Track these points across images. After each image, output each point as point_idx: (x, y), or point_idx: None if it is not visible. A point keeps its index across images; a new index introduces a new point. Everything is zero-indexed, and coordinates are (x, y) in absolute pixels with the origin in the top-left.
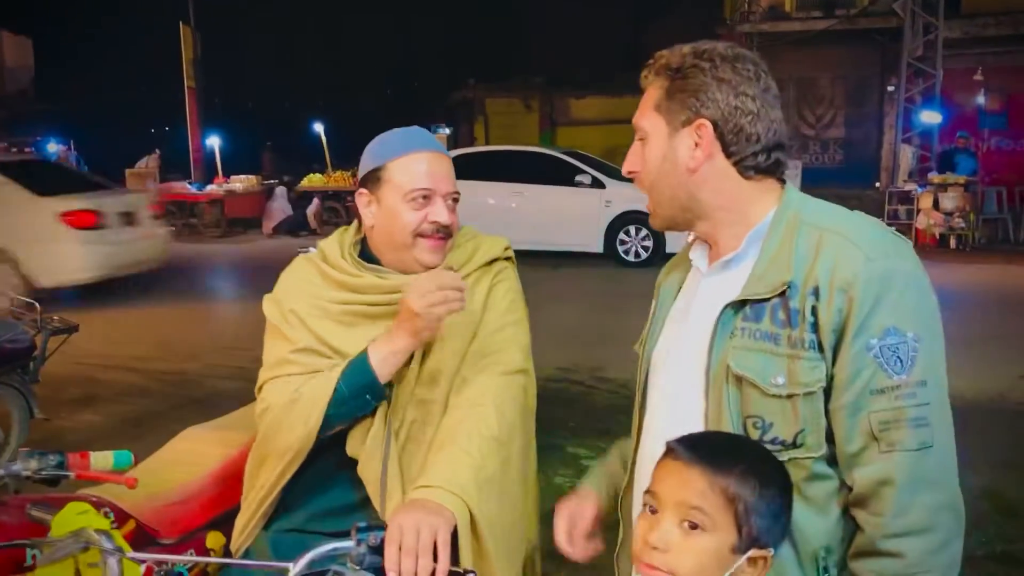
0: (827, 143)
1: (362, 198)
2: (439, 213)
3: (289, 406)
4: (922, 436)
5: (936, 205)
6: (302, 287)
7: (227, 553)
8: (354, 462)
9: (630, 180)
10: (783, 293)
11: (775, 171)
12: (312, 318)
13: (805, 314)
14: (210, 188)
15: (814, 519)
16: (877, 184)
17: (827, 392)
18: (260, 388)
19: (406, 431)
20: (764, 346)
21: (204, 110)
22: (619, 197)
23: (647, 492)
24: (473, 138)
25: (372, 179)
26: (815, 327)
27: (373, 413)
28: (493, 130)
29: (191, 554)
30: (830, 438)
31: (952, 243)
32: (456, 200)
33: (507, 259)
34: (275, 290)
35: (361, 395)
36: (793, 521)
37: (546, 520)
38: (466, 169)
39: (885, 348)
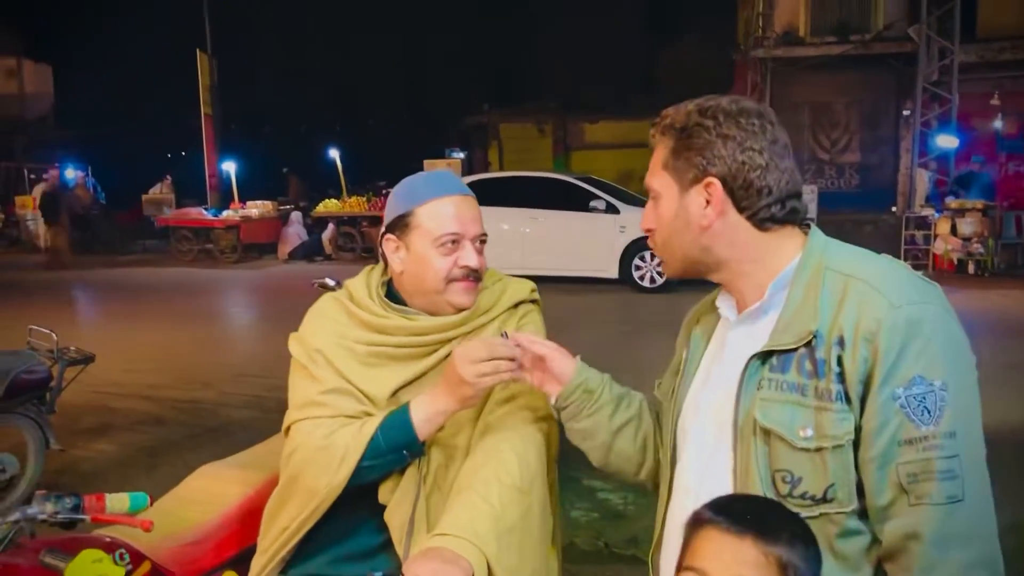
0: (843, 167)
1: (390, 244)
2: (469, 258)
3: (320, 452)
4: (951, 489)
5: (954, 230)
6: (328, 326)
7: None
8: (378, 507)
9: (644, 204)
10: (809, 343)
11: (793, 219)
12: (338, 358)
13: (831, 364)
14: (226, 214)
15: None
16: (894, 208)
17: (856, 444)
18: (287, 429)
19: (432, 477)
20: (791, 397)
21: (220, 136)
22: (633, 223)
23: (690, 570)
24: (487, 162)
25: (400, 225)
26: (841, 377)
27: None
28: (507, 154)
29: None
30: (861, 492)
31: (971, 268)
32: (484, 242)
33: (533, 302)
34: (301, 329)
35: (399, 451)
36: None
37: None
38: (480, 195)
39: (912, 398)
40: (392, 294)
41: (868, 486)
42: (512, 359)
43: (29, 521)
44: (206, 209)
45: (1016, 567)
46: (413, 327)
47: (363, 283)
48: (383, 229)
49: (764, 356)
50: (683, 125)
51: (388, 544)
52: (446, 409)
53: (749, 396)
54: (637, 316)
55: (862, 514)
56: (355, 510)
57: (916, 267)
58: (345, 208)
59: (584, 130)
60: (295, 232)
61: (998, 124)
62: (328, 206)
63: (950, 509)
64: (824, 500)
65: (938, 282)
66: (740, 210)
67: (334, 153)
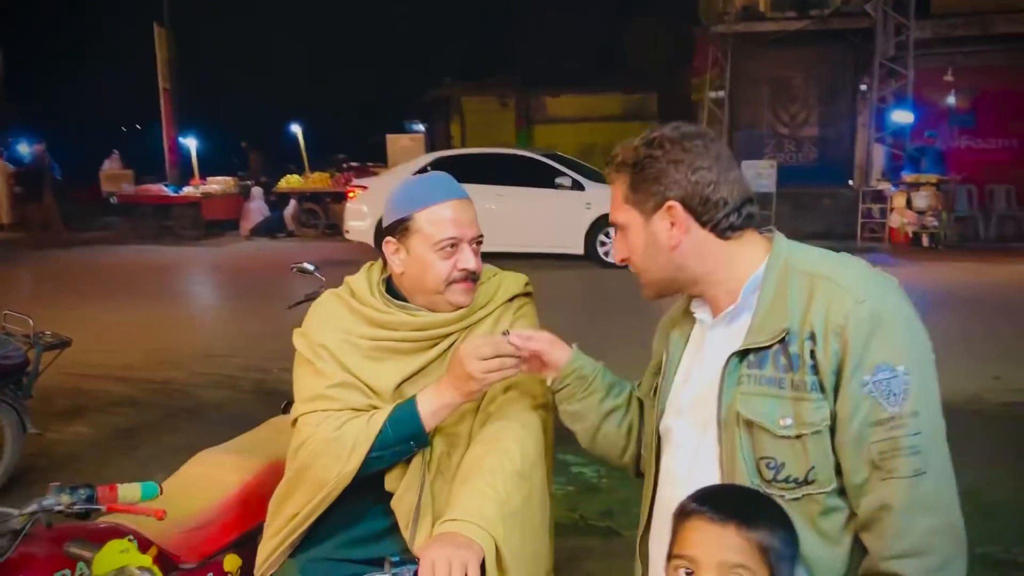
0: (802, 142)
1: (389, 246)
2: (467, 261)
3: (330, 444)
4: (916, 463)
5: (909, 204)
6: (332, 322)
7: (247, 575)
8: (384, 493)
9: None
10: (783, 340)
11: (751, 224)
12: (343, 353)
13: (804, 358)
14: (187, 190)
15: (830, 551)
16: (851, 182)
17: (832, 429)
18: (295, 421)
19: (436, 464)
20: (770, 390)
21: (179, 111)
22: (599, 199)
23: (679, 557)
24: (449, 136)
25: (399, 229)
26: (815, 369)
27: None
28: (469, 128)
29: None
30: (839, 472)
31: (925, 241)
32: (480, 242)
33: (526, 294)
34: (304, 324)
35: (406, 442)
36: (810, 554)
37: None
38: (445, 171)
39: (878, 383)
40: (392, 290)
41: (845, 466)
42: (516, 356)
43: (46, 512)
44: (166, 185)
45: (970, 532)
46: (415, 322)
47: (364, 280)
48: (383, 231)
49: (742, 354)
50: (634, 160)
51: (394, 528)
52: (451, 403)
53: (730, 391)
54: (603, 291)
55: (840, 492)
56: (362, 497)
57: (872, 240)
58: (308, 184)
59: (546, 104)
60: (257, 208)
61: (951, 99)
62: (290, 182)
63: (915, 481)
64: (806, 482)
65: (894, 255)
66: (702, 224)
67: (296, 128)
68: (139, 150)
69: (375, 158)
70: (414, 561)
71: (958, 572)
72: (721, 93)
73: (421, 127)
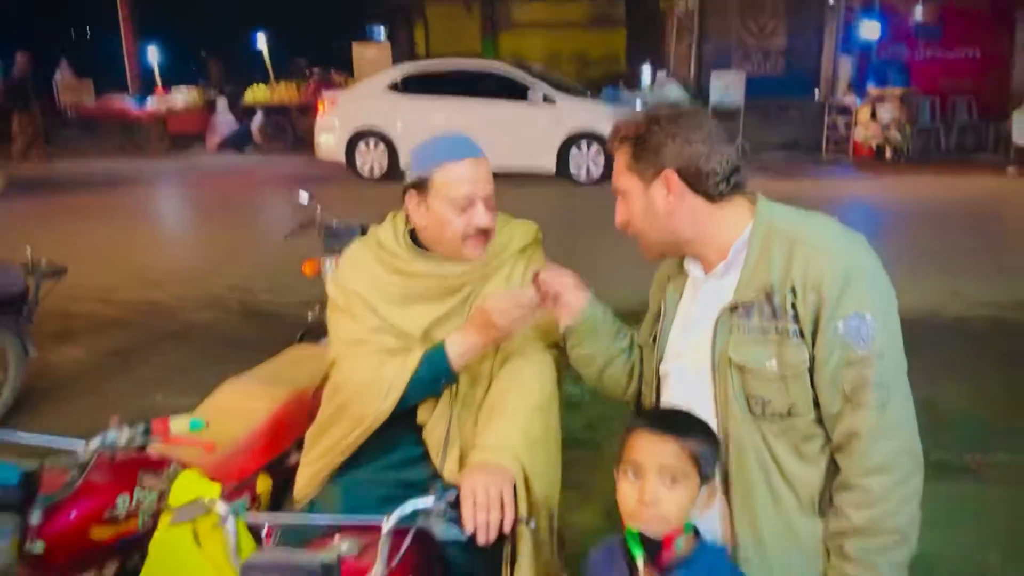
0: (769, 52)
1: (412, 200)
2: (480, 218)
3: (369, 384)
4: (881, 396)
5: (873, 116)
6: (362, 271)
7: (277, 495)
8: (416, 425)
9: (582, 95)
10: (767, 294)
11: (738, 190)
12: (374, 299)
13: (787, 309)
14: (150, 102)
15: (810, 471)
16: (816, 92)
17: (811, 370)
18: (333, 363)
19: (461, 399)
20: (757, 338)
21: (138, 17)
22: (570, 113)
23: (628, 462)
24: (413, 43)
25: (420, 184)
26: (796, 319)
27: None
28: (433, 35)
29: (245, 498)
30: (816, 405)
31: (888, 154)
32: (494, 200)
33: (538, 240)
34: (338, 274)
35: (438, 380)
36: (793, 473)
37: None
38: (415, 84)
39: (850, 329)
40: (415, 240)
41: (822, 399)
42: (535, 303)
43: (110, 446)
44: (129, 97)
45: (925, 440)
46: (438, 272)
47: (391, 230)
48: (407, 184)
49: (732, 307)
50: (636, 134)
51: (425, 456)
52: (477, 345)
53: (723, 340)
54: (575, 208)
55: (818, 422)
56: (396, 428)
57: (837, 152)
58: (275, 97)
59: (512, 10)
60: (223, 121)
61: (918, 11)
62: (256, 94)
63: (881, 411)
64: (789, 415)
65: (857, 168)
66: (695, 192)
67: (261, 38)
68: (91, 58)
69: (338, 65)
70: (456, 488)
71: (915, 486)
72: (691, 2)
73: (383, 32)
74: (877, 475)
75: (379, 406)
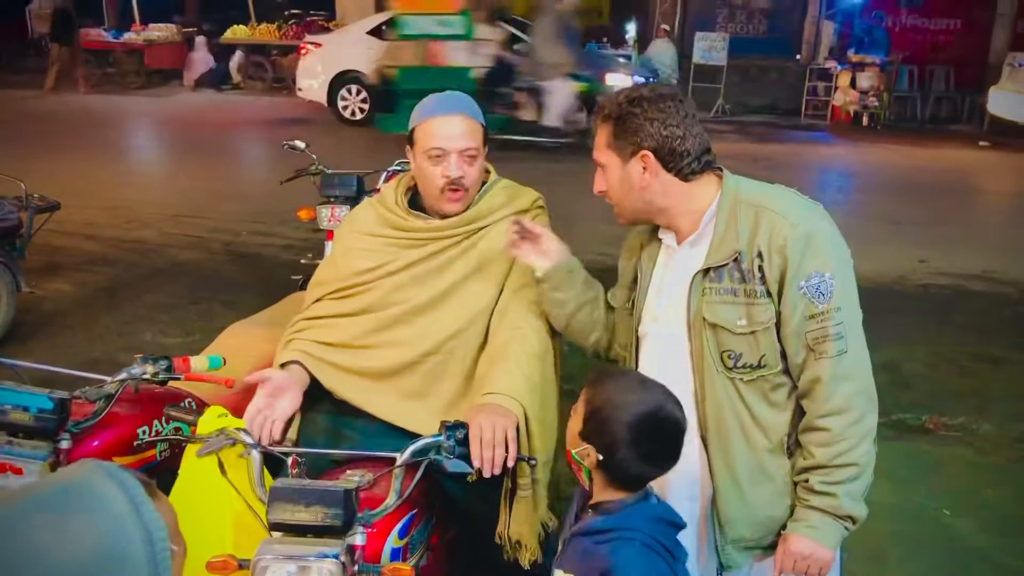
0: (752, 13)
1: (409, 152)
2: (450, 168)
3: None
4: (840, 346)
5: (853, 83)
6: (359, 225)
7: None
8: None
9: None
10: (736, 259)
11: (708, 167)
12: (358, 247)
13: (754, 272)
14: (128, 36)
15: (778, 416)
16: (798, 57)
17: (778, 325)
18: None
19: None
20: (727, 299)
21: None
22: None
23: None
24: None
25: (411, 138)
26: (763, 280)
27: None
28: None
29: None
30: (784, 356)
31: (865, 121)
32: (474, 156)
33: (539, 207)
34: (344, 222)
35: None
36: (764, 419)
37: None
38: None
39: (811, 287)
40: (415, 201)
41: (788, 351)
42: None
43: (134, 380)
44: (106, 31)
45: (887, 401)
46: (425, 227)
47: (392, 190)
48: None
49: (704, 272)
50: (617, 115)
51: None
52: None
53: (696, 301)
54: (553, 165)
55: (784, 372)
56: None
57: (815, 117)
58: (255, 36)
59: None
60: (201, 58)
61: None
62: (236, 33)
63: (839, 359)
64: (759, 367)
65: (834, 133)
66: (668, 170)
67: None
68: None
69: (316, 6)
70: (464, 426)
71: (871, 423)
72: None
73: None
74: (837, 416)
75: None
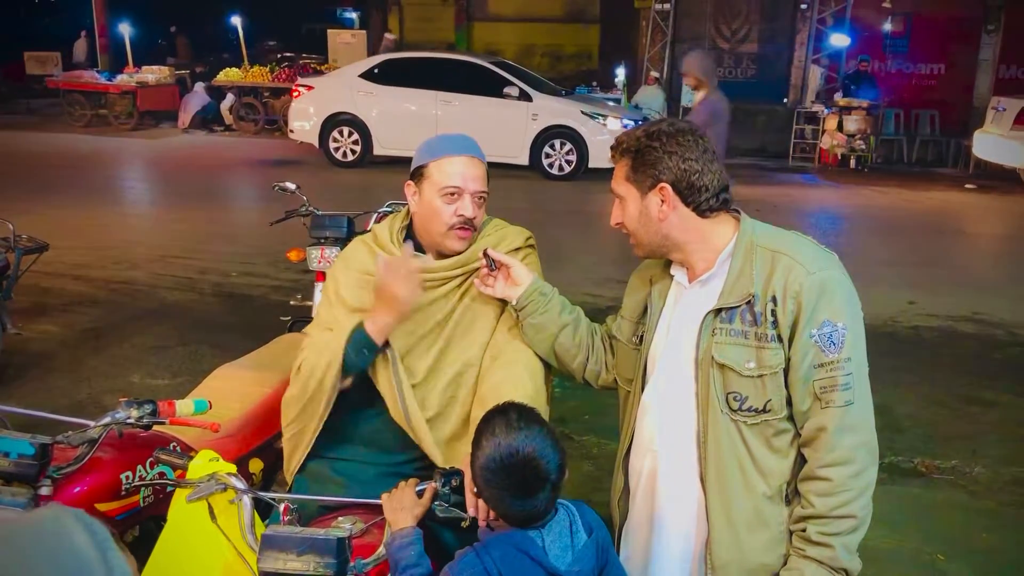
0: (741, 57)
1: (409, 189)
2: (466, 208)
3: (317, 352)
4: (847, 396)
5: (840, 127)
6: (352, 264)
7: (267, 476)
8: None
9: (557, 93)
10: (749, 301)
11: (726, 206)
12: (353, 290)
13: (767, 316)
14: (121, 78)
15: (780, 462)
16: (786, 100)
17: (786, 371)
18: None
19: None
20: (738, 341)
21: None
22: (545, 110)
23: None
24: (387, 30)
25: (417, 175)
26: (775, 325)
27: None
28: (408, 22)
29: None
30: (789, 402)
31: (852, 163)
32: (484, 198)
33: (530, 246)
34: (334, 263)
35: (363, 352)
36: (765, 464)
37: None
38: (389, 74)
39: (823, 335)
40: (410, 237)
41: (794, 398)
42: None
43: (118, 424)
44: (99, 72)
45: (884, 441)
46: (423, 267)
47: (387, 228)
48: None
49: (716, 312)
50: (637, 148)
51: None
52: (387, 322)
53: (706, 340)
54: (548, 202)
55: (788, 418)
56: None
57: (803, 160)
58: (247, 78)
59: (487, 1)
60: (198, 101)
61: (887, 24)
62: (230, 75)
63: (846, 410)
64: (764, 411)
65: (822, 176)
66: (687, 204)
67: (236, 21)
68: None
69: (308, 48)
70: (459, 473)
71: (871, 477)
72: (667, 5)
73: (356, 18)
74: (839, 466)
75: (324, 368)
